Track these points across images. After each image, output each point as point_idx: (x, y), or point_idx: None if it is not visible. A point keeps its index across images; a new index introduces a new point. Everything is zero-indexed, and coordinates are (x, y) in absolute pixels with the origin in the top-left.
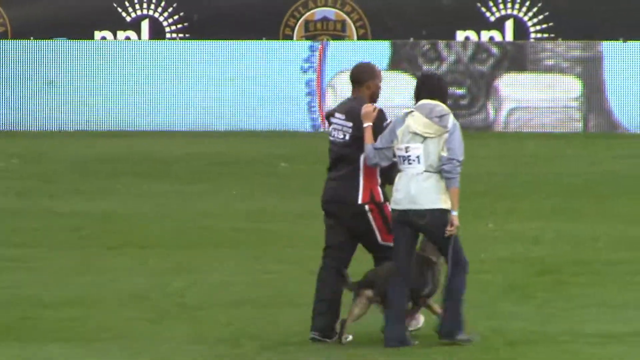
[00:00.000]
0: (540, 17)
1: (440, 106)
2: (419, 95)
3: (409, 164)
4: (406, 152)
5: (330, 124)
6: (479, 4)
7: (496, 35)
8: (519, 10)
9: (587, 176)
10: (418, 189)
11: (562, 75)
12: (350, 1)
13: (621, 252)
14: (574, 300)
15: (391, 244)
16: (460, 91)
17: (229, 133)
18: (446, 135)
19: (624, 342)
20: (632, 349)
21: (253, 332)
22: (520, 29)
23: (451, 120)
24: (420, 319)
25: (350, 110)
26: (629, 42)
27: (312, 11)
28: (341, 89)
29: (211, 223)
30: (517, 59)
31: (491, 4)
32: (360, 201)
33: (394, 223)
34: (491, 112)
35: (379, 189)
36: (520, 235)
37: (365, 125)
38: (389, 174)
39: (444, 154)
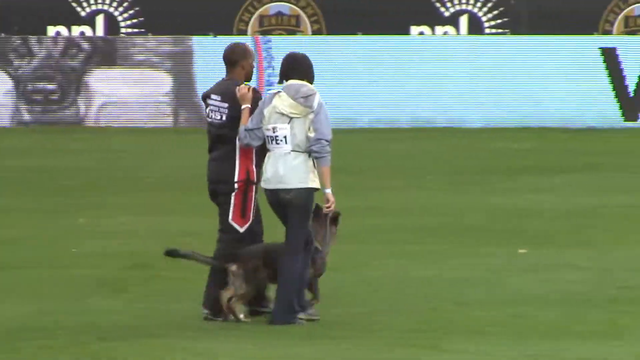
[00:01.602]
0: (131, 12)
1: (306, 86)
2: (286, 75)
3: (277, 144)
4: (273, 132)
5: (207, 105)
6: None
7: (87, 30)
8: (110, 4)
9: (177, 171)
10: (286, 169)
11: (152, 70)
12: None
13: (209, 246)
14: (166, 295)
15: (238, 228)
16: (51, 86)
17: None
18: (312, 115)
19: (216, 336)
20: (223, 344)
21: None
22: (113, 25)
23: (317, 100)
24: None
25: (226, 91)
26: (219, 36)
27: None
28: None
29: None
30: (108, 54)
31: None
32: (236, 179)
33: (268, 203)
34: (82, 107)
35: (254, 169)
36: (112, 229)
37: (242, 107)
38: (266, 150)
39: (311, 134)
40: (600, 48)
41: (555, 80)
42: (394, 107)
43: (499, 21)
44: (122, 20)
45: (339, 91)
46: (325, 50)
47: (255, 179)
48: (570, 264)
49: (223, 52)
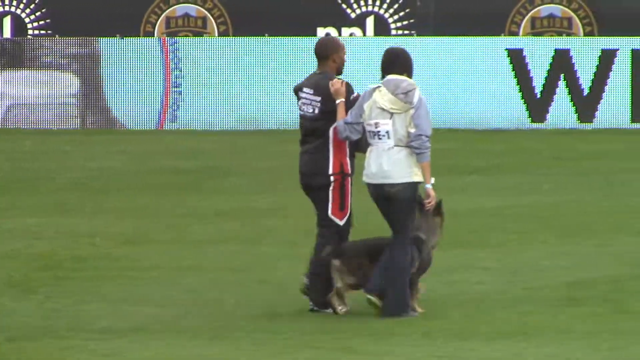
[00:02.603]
0: (39, 13)
1: (406, 81)
2: (385, 69)
3: (379, 139)
4: (375, 127)
5: (299, 98)
6: None
7: None
8: (17, 7)
9: (85, 172)
10: (390, 164)
11: (60, 72)
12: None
13: (118, 247)
14: (75, 296)
15: (337, 221)
16: None
17: None
18: (412, 111)
19: (125, 337)
20: (131, 344)
21: None
22: (21, 26)
23: (417, 95)
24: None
25: (318, 84)
26: (126, 38)
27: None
28: None
29: None
30: (14, 55)
31: None
32: (330, 171)
33: (372, 198)
34: None
35: (348, 160)
36: (20, 231)
37: (337, 101)
38: (358, 142)
39: (412, 130)
40: (507, 49)
41: (463, 82)
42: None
43: (405, 22)
44: (30, 22)
45: (246, 92)
46: (233, 52)
47: (349, 171)
48: (478, 265)
49: (315, 46)
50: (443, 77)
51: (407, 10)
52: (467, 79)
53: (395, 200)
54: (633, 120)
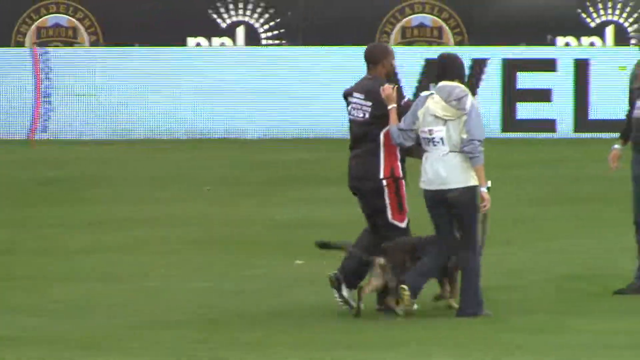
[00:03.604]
0: None
1: (459, 88)
2: (439, 76)
3: (434, 145)
4: (430, 134)
5: (348, 103)
6: None
7: None
8: None
9: None
10: (447, 170)
11: None
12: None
13: None
14: None
15: (399, 224)
16: None
17: None
18: (465, 117)
19: None
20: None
21: None
22: None
23: (469, 102)
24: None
25: (369, 89)
26: None
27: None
28: None
29: None
30: None
31: None
32: (381, 176)
33: (428, 204)
34: None
35: (399, 164)
36: None
37: (389, 107)
38: (409, 147)
39: (464, 135)
40: None
41: (331, 91)
42: (171, 118)
43: (275, 32)
44: None
45: (115, 102)
46: (103, 62)
47: (400, 175)
48: None
49: (364, 51)
50: (312, 86)
51: (278, 20)
52: (338, 89)
53: (456, 206)
54: (504, 130)
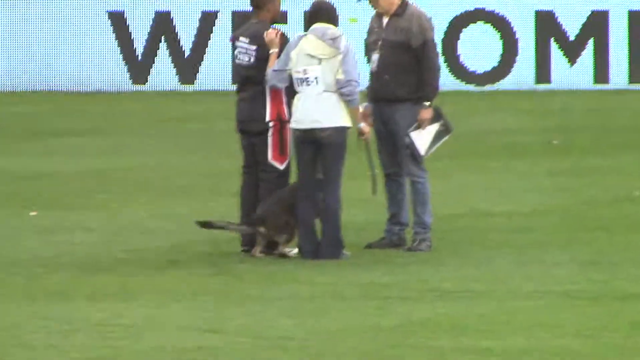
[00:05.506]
0: None
1: (332, 29)
2: (310, 20)
3: (308, 85)
4: (304, 74)
5: (235, 47)
6: None
7: None
8: None
9: None
10: (319, 109)
11: None
12: None
13: None
14: None
15: (278, 166)
16: None
17: None
18: (340, 57)
19: None
20: None
21: None
22: None
23: (344, 42)
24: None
25: (254, 33)
26: None
27: None
28: None
29: None
30: None
31: None
32: (268, 118)
33: (295, 143)
34: None
35: (285, 108)
36: None
37: (271, 52)
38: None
39: (340, 76)
40: (107, 12)
41: (63, 42)
42: None
43: None
44: None
45: None
46: None
47: (287, 118)
48: (80, 226)
49: None
50: (46, 37)
51: None
52: (67, 40)
53: (326, 145)
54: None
